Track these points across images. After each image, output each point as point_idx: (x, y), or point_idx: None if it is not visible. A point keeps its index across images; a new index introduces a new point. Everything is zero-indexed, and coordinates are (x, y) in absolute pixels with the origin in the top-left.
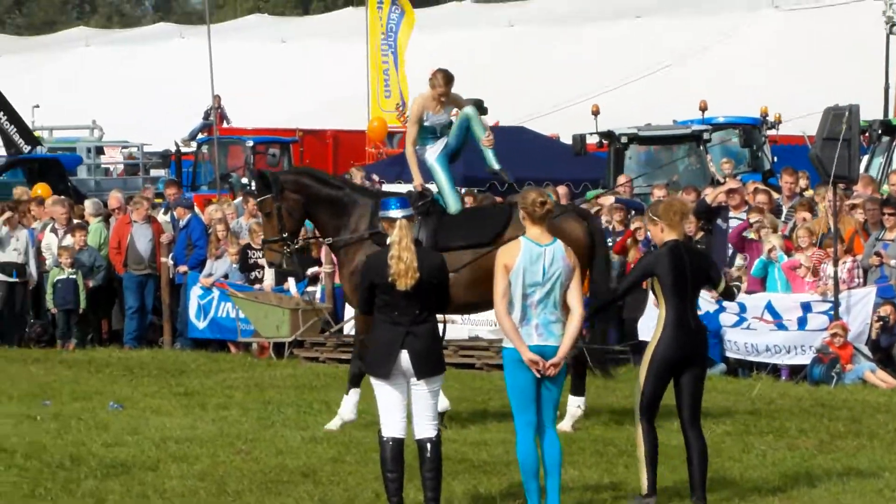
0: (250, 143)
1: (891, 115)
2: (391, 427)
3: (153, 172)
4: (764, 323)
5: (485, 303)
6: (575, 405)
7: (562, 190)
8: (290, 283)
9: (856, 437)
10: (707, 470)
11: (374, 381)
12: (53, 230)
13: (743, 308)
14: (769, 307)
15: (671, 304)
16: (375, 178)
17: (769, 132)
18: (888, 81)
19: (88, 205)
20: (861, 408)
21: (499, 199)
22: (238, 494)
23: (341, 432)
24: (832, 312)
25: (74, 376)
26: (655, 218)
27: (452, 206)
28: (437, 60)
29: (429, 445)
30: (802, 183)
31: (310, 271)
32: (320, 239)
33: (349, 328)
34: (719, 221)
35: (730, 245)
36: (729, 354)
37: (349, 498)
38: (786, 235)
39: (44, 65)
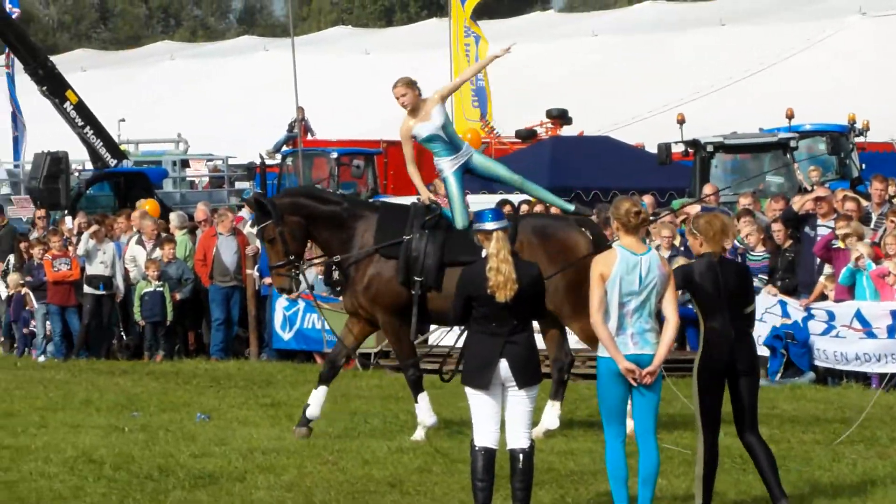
0: (335, 155)
1: None
2: (485, 437)
3: (238, 185)
4: (853, 331)
5: None
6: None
7: (647, 199)
8: None
9: None
10: (778, 471)
11: (470, 391)
12: (140, 242)
13: (832, 316)
14: (858, 315)
15: (710, 318)
16: None
17: (857, 139)
18: None
19: (174, 217)
20: None
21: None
22: None
23: (427, 442)
24: None
25: (162, 388)
26: (696, 231)
27: (460, 221)
28: (521, 70)
29: (521, 456)
30: (892, 190)
31: None
32: (333, 258)
33: (435, 338)
34: (807, 229)
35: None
36: (818, 363)
37: None
38: (875, 243)
39: (129, 79)
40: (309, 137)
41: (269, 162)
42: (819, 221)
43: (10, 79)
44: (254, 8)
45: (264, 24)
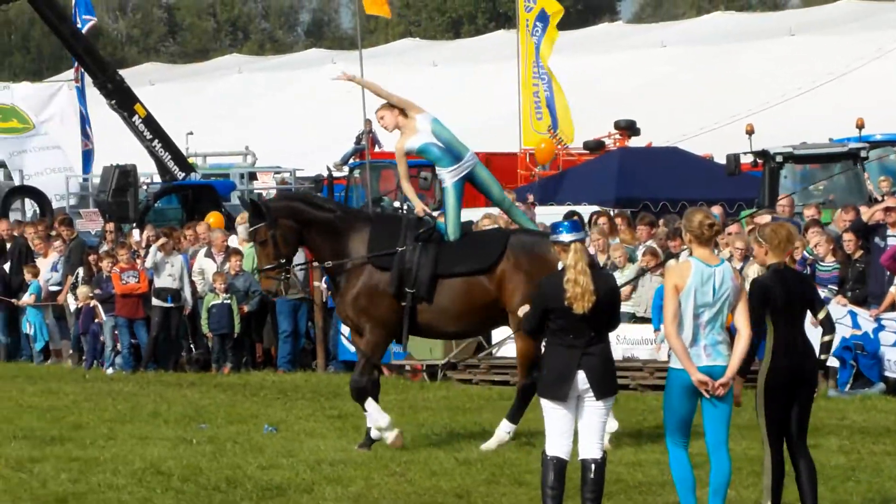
0: None
1: None
2: (558, 448)
3: None
4: None
5: (465, 332)
6: (506, 430)
7: (716, 210)
8: None
9: None
10: (817, 490)
11: (546, 403)
12: (209, 255)
13: None
14: None
15: (779, 328)
16: (530, 199)
17: None
18: None
19: (241, 230)
20: None
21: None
22: None
23: (495, 454)
24: None
25: (229, 400)
26: (761, 240)
27: (452, 233)
28: (590, 82)
29: (593, 466)
30: None
31: None
32: (325, 263)
33: (503, 350)
34: (877, 240)
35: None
36: (888, 374)
37: None
38: None
39: (197, 92)
40: (376, 149)
41: (336, 174)
42: (889, 231)
43: (80, 92)
44: (322, 21)
45: (332, 37)
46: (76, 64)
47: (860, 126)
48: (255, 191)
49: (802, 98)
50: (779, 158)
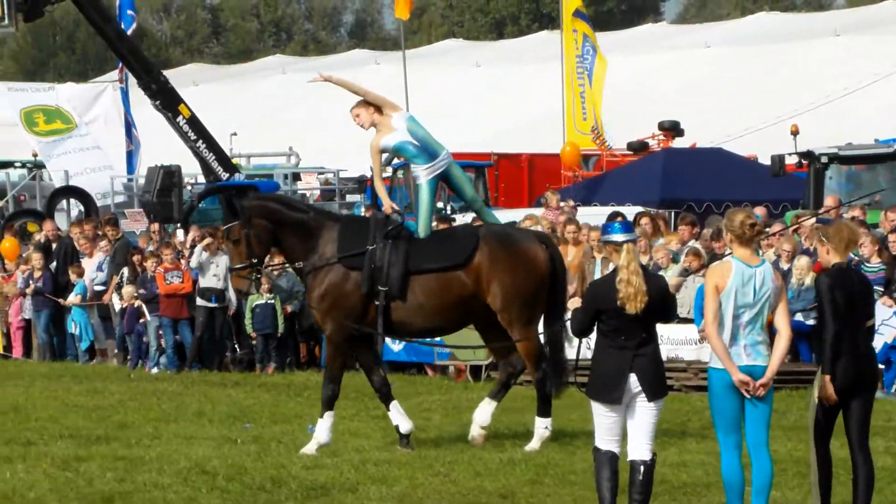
0: None
1: None
2: (609, 446)
3: (349, 198)
4: None
5: (440, 329)
6: (542, 426)
7: (760, 211)
8: None
9: None
10: (872, 495)
11: (597, 405)
12: None
13: None
14: None
15: (840, 328)
16: (571, 201)
17: None
18: None
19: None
20: None
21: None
22: None
23: (539, 454)
24: None
25: (274, 399)
26: (824, 239)
27: (423, 230)
28: (634, 82)
29: (642, 468)
30: None
31: None
32: (293, 265)
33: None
34: None
35: None
36: None
37: None
38: None
39: (241, 93)
40: None
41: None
42: None
43: (124, 93)
44: (365, 21)
45: (375, 38)
46: (120, 65)
47: None
48: (299, 191)
49: (848, 98)
50: (824, 159)
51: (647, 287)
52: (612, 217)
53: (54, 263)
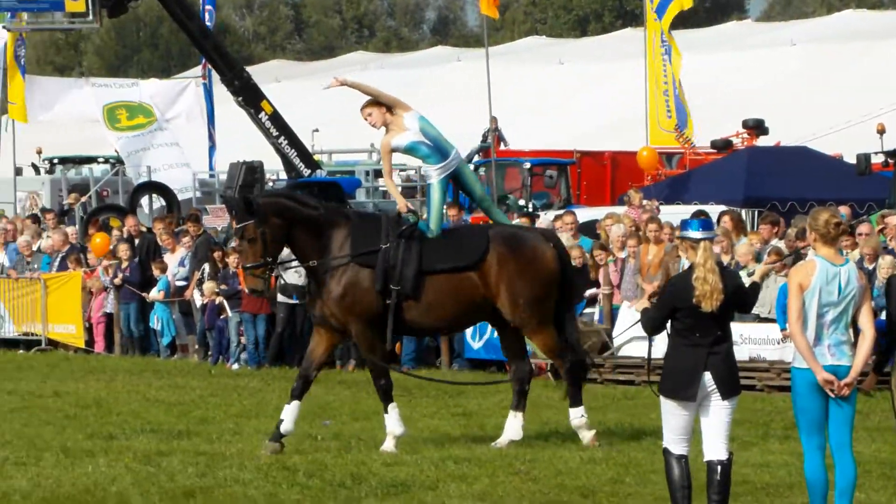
0: (527, 165)
1: None
2: (680, 447)
3: None
4: None
5: (449, 328)
6: (578, 415)
7: (845, 210)
8: None
9: None
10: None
11: (668, 403)
12: None
13: None
14: None
15: None
16: (654, 200)
17: None
18: None
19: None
20: None
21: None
22: None
23: (620, 453)
24: None
25: (353, 396)
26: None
27: (434, 229)
28: (718, 80)
29: (719, 468)
30: None
31: (588, 293)
32: (310, 263)
33: (627, 350)
34: None
35: None
36: None
37: None
38: None
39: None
40: (502, 147)
41: None
42: None
43: (207, 89)
44: (447, 18)
45: (458, 35)
46: (203, 61)
47: None
48: (381, 188)
49: None
50: None
51: (722, 285)
52: (696, 215)
53: (136, 258)
